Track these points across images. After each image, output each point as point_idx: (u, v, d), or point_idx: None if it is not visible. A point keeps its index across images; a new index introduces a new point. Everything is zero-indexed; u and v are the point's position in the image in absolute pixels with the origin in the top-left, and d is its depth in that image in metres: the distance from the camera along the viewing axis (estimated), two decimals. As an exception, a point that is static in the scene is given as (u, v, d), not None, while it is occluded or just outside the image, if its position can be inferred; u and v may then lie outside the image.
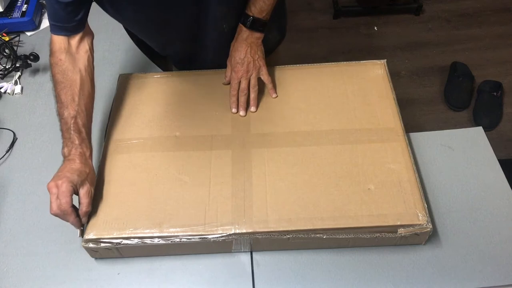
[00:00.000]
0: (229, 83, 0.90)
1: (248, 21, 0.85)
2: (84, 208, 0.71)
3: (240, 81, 0.87)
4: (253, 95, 0.87)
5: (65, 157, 0.74)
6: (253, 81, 0.87)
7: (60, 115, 0.77)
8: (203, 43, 0.92)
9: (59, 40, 0.78)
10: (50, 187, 0.69)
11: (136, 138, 0.85)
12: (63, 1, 0.73)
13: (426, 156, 0.88)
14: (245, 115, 0.87)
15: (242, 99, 0.87)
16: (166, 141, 0.84)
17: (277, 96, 0.90)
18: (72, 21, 0.77)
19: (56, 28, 0.77)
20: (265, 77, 0.89)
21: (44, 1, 1.26)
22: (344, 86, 0.91)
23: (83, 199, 0.71)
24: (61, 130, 0.76)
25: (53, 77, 0.78)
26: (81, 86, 0.77)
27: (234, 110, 0.87)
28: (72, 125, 0.75)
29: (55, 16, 0.76)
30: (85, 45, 0.81)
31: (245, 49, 0.86)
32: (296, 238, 0.73)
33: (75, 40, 0.79)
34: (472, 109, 1.82)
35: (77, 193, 0.71)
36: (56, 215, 0.69)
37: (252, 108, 0.87)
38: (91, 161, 0.77)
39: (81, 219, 0.72)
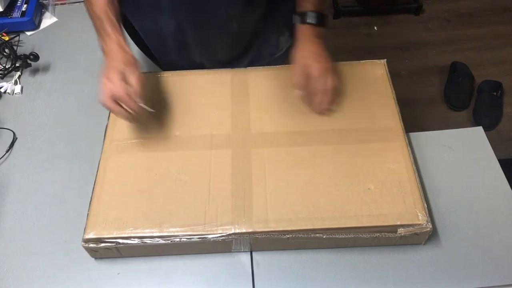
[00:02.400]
0: (301, 86, 0.83)
1: (311, 17, 0.81)
2: (137, 91, 0.73)
3: (322, 78, 0.81)
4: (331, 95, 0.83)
5: (104, 50, 0.77)
6: (331, 79, 0.83)
7: (92, 14, 0.79)
8: (203, 31, 0.89)
9: None
10: (104, 81, 0.72)
11: (136, 137, 0.85)
12: None
13: (426, 156, 0.88)
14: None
15: (328, 97, 0.82)
16: (166, 141, 0.84)
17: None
18: None
19: None
20: (335, 75, 0.84)
21: (44, 1, 1.26)
22: (344, 86, 0.90)
23: (135, 84, 0.73)
24: (95, 26, 0.79)
25: None
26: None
27: (322, 106, 0.82)
28: (104, 18, 0.77)
29: None
30: None
31: (318, 45, 0.82)
32: (296, 238, 0.73)
33: None
34: (472, 109, 1.82)
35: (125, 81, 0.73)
36: (112, 99, 0.72)
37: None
38: (128, 47, 0.78)
39: (137, 101, 0.73)
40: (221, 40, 0.91)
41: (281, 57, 1.03)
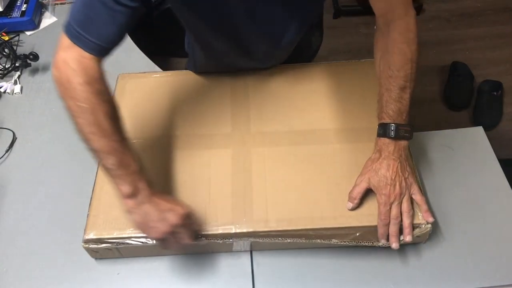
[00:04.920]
0: (355, 201, 0.72)
1: (390, 130, 0.71)
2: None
3: (391, 207, 0.71)
4: (408, 221, 0.70)
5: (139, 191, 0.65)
6: (406, 204, 0.71)
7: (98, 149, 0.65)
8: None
9: (95, 62, 0.64)
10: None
11: (135, 138, 0.84)
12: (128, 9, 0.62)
13: (426, 156, 0.88)
14: (398, 248, 0.71)
15: (395, 228, 0.70)
16: (166, 141, 0.84)
17: (433, 220, 0.72)
18: (118, 39, 0.66)
19: (96, 48, 0.64)
20: (418, 196, 0.72)
21: (43, 1, 1.26)
22: (344, 85, 0.91)
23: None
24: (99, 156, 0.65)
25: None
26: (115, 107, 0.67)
27: (383, 241, 0.71)
28: (119, 148, 0.65)
29: (101, 31, 0.63)
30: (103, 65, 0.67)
31: (394, 166, 0.71)
32: (296, 237, 0.73)
33: (103, 60, 0.66)
34: (472, 109, 1.82)
35: None
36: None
37: (408, 238, 0.71)
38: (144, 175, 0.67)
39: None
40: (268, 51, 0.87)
41: (312, 56, 1.02)
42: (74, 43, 0.63)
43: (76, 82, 0.62)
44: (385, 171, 0.71)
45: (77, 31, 0.62)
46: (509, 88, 1.87)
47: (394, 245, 0.70)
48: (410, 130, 0.73)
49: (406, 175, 0.72)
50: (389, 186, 0.71)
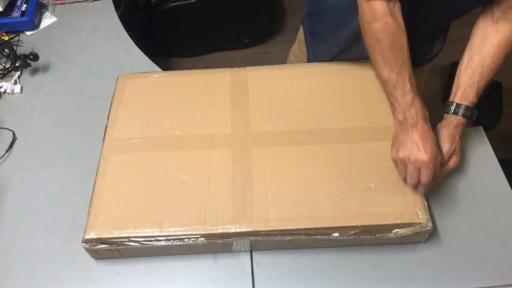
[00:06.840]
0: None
1: (465, 111, 0.80)
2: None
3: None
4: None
5: (413, 122, 0.73)
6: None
7: (390, 80, 0.75)
8: None
9: (382, 5, 0.73)
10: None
11: (135, 137, 0.84)
12: None
13: (426, 155, 0.88)
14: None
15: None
16: (166, 141, 0.84)
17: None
18: None
19: None
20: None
21: (43, 1, 1.26)
22: (344, 85, 0.91)
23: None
24: (393, 95, 0.75)
25: (379, 42, 0.74)
26: (407, 46, 0.75)
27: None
28: (410, 88, 0.74)
29: None
30: (399, 5, 0.75)
31: (460, 135, 0.81)
32: (296, 236, 0.73)
33: (393, 2, 0.74)
34: (472, 109, 1.82)
35: None
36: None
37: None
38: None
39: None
40: None
41: (431, 59, 1.03)
42: None
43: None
44: (456, 137, 0.78)
45: None
46: (509, 88, 1.87)
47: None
48: (476, 113, 0.80)
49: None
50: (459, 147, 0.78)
